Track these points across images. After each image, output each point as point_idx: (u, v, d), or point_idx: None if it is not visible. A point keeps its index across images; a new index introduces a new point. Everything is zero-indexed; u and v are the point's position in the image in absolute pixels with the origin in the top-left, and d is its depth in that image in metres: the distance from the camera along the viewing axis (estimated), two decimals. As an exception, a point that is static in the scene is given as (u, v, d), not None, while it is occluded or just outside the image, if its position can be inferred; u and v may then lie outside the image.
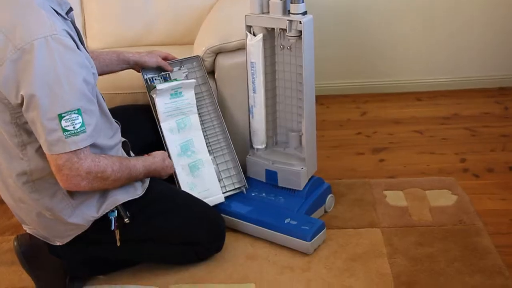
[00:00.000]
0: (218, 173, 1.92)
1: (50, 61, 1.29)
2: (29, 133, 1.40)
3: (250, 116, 1.94)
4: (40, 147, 1.41)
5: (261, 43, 1.82)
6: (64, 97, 1.30)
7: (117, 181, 1.49)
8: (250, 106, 1.93)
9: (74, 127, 1.32)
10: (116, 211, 1.55)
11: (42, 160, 1.42)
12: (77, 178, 1.38)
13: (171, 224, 1.65)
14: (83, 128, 1.33)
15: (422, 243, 1.82)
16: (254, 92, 1.89)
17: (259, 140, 1.97)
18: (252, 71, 1.86)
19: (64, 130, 1.31)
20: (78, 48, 1.37)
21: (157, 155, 1.69)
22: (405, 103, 2.87)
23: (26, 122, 1.38)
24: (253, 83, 1.87)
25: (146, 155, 1.67)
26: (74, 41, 1.36)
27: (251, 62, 1.86)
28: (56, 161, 1.35)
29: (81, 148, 1.36)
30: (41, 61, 1.29)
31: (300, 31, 1.75)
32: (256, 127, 1.94)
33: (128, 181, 1.54)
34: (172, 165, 1.75)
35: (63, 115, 1.30)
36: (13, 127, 1.39)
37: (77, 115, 1.31)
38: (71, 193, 1.49)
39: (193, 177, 1.87)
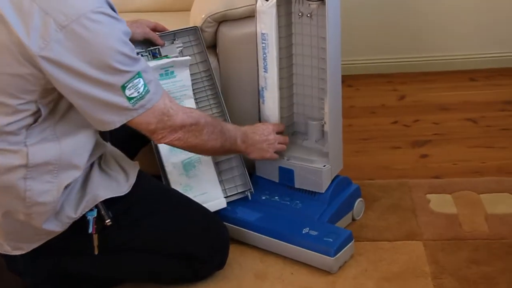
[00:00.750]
0: (218, 174, 1.92)
1: (103, 38, 1.39)
2: (49, 112, 1.47)
3: (261, 101, 1.93)
4: (46, 129, 1.47)
5: (274, 10, 1.81)
6: (123, 68, 1.43)
7: (211, 136, 1.65)
8: (260, 88, 1.92)
9: (138, 92, 1.46)
10: (95, 211, 1.58)
11: (46, 143, 1.48)
12: (172, 134, 1.57)
13: (162, 230, 1.67)
14: (146, 88, 1.47)
15: (476, 261, 1.80)
16: (266, 71, 1.88)
17: (271, 131, 1.96)
18: (263, 45, 1.85)
19: (130, 99, 1.46)
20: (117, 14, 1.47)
21: (258, 125, 1.87)
22: (455, 84, 2.86)
23: (51, 101, 1.46)
24: (264, 60, 1.87)
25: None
26: (113, 9, 1.46)
27: (262, 34, 1.85)
28: (147, 127, 1.52)
29: (167, 104, 1.53)
30: (93, 39, 1.38)
31: (323, -6, 1.75)
32: (267, 114, 1.93)
33: (223, 144, 1.70)
34: (283, 143, 1.89)
35: (125, 85, 1.44)
36: (33, 106, 1.45)
37: (138, 79, 1.45)
38: (60, 193, 1.51)
39: (188, 177, 1.87)
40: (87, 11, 1.37)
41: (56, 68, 1.39)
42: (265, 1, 1.82)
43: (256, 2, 1.85)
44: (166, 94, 1.56)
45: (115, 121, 1.47)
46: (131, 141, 1.79)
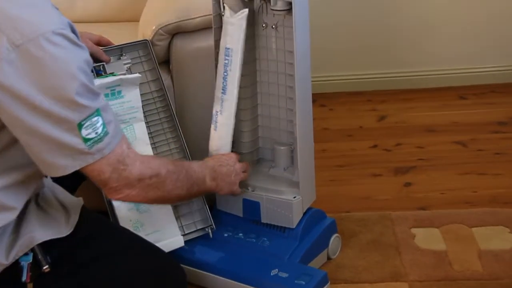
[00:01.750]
0: (174, 208, 1.93)
1: (62, 63, 1.37)
2: None
3: (212, 126, 1.91)
4: None
5: (244, 23, 1.81)
6: (82, 101, 1.40)
7: (176, 184, 1.64)
8: (214, 112, 1.90)
9: (96, 133, 1.43)
10: (31, 255, 1.54)
11: None
12: (128, 188, 1.54)
13: (109, 276, 1.64)
14: (105, 129, 1.44)
15: (467, 304, 1.84)
16: (224, 92, 1.87)
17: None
18: (226, 62, 1.85)
19: (86, 140, 1.42)
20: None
21: (221, 156, 1.87)
22: (442, 102, 2.90)
23: None
24: (224, 79, 1.86)
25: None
26: (75, 33, 1.45)
27: (227, 49, 1.85)
28: (99, 176, 1.49)
29: (124, 151, 1.51)
30: (51, 63, 1.36)
31: (290, 3, 1.77)
32: (217, 144, 1.90)
33: (189, 189, 1.70)
34: (245, 171, 1.91)
35: (82, 122, 1.41)
36: None
37: (97, 117, 1.43)
38: None
39: (139, 212, 1.88)
40: (46, 31, 1.36)
41: (3, 94, 1.37)
42: (233, 12, 1.82)
43: (217, 10, 1.86)
44: (125, 138, 1.54)
45: (67, 166, 1.44)
46: (72, 173, 1.78)
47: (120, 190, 1.54)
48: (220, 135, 1.89)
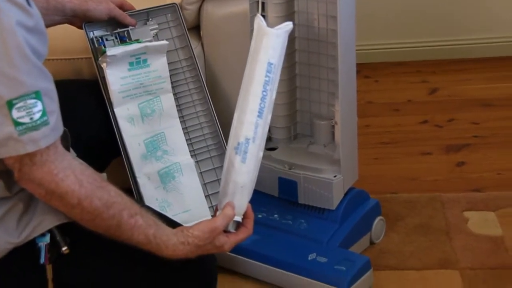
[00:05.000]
0: (203, 186, 1.95)
1: None
2: None
3: (238, 158, 1.63)
4: None
5: (286, 37, 1.64)
6: (16, 75, 1.33)
7: (89, 222, 1.50)
8: (242, 141, 1.63)
9: (31, 118, 1.34)
10: (48, 235, 1.54)
11: None
12: (32, 185, 1.42)
13: (133, 259, 1.67)
14: (44, 118, 1.36)
15: (525, 294, 1.84)
16: (260, 116, 1.62)
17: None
18: (267, 79, 1.63)
19: (17, 124, 1.34)
20: (29, 4, 1.40)
21: (196, 232, 1.59)
22: (500, 73, 2.90)
23: None
24: (262, 100, 1.62)
25: (184, 227, 1.59)
26: None
27: (270, 64, 1.63)
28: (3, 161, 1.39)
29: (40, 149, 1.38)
30: None
31: (332, -39, 1.78)
32: (244, 180, 1.63)
33: (115, 236, 1.53)
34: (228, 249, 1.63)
35: (14, 101, 1.32)
36: None
37: (35, 100, 1.34)
38: None
39: (166, 191, 1.90)
40: None
41: None
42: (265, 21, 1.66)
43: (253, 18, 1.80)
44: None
45: None
46: (102, 148, 1.75)
47: (25, 184, 1.43)
48: (249, 169, 1.61)
